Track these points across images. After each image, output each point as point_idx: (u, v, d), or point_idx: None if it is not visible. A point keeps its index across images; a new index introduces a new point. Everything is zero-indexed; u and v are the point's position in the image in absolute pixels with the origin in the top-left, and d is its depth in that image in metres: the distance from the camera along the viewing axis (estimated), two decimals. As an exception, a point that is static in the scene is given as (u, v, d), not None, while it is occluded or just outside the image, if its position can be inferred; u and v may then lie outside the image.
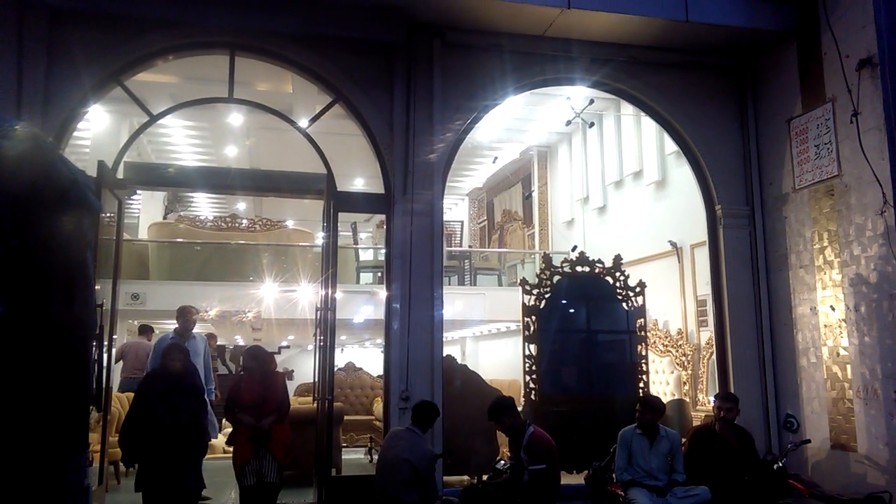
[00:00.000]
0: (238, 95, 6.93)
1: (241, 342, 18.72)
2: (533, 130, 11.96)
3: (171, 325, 11.52)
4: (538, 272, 7.52)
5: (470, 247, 14.94)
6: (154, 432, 5.10)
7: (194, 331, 7.42)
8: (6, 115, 4.56)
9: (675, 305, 9.44)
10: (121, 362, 9.56)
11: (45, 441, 2.06)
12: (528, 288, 7.30)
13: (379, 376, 10.60)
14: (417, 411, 5.45)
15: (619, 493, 5.41)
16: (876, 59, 6.05)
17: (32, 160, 2.03)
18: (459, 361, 8.19)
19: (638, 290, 7.49)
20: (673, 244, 9.45)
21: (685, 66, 7.46)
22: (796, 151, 6.93)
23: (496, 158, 12.99)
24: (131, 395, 8.81)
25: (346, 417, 9.55)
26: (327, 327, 6.44)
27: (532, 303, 7.25)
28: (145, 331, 10.04)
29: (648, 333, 7.95)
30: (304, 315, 10.11)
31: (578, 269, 7.49)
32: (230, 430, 5.85)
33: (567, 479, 6.02)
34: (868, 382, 6.07)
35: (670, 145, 8.97)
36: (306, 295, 10.22)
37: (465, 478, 7.04)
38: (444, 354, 6.82)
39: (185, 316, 7.20)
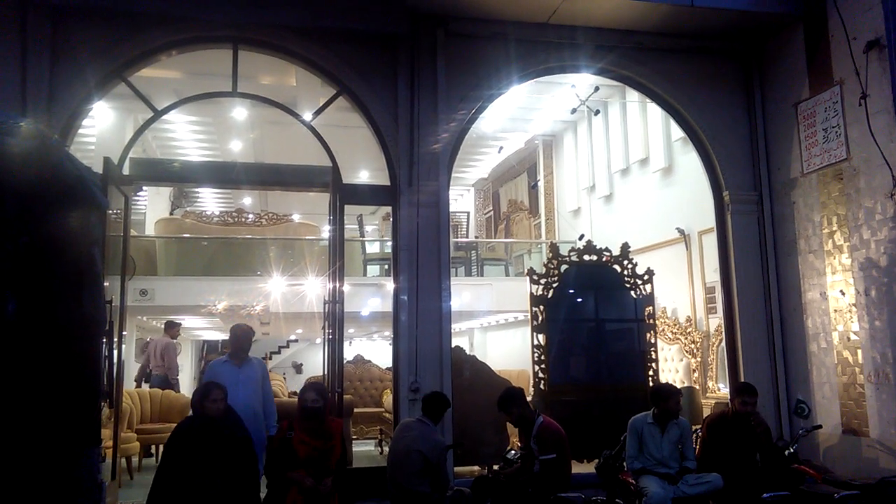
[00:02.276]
0: (242, 89, 6.93)
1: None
2: (538, 119, 11.91)
3: (180, 320, 11.62)
4: (545, 262, 7.51)
5: (476, 237, 14.92)
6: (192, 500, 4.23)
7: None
8: (11, 113, 4.57)
9: (683, 293, 9.40)
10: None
11: (58, 437, 2.07)
12: (535, 278, 7.28)
13: (388, 368, 10.62)
14: (428, 402, 5.45)
15: (630, 482, 5.41)
16: (884, 41, 5.99)
17: (39, 158, 2.03)
18: (468, 352, 8.20)
19: (646, 277, 7.46)
20: (680, 231, 9.41)
21: (691, 51, 7.40)
22: (804, 135, 6.88)
23: (501, 148, 12.95)
24: (157, 390, 9.14)
25: (355, 410, 9.59)
26: (335, 320, 6.44)
27: (540, 292, 7.24)
28: (170, 327, 10.21)
29: (657, 321, 7.93)
30: (311, 308, 10.12)
31: (586, 257, 7.46)
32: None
33: (577, 468, 6.02)
34: (879, 367, 6.04)
35: (676, 132, 8.92)
36: (314, 288, 10.22)
37: (476, 468, 7.06)
38: (453, 346, 6.82)
39: (239, 335, 5.77)
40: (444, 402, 5.48)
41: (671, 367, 9.17)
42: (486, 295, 11.04)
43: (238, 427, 4.60)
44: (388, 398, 9.57)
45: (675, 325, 9.34)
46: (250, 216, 12.29)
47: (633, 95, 9.85)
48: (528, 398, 6.23)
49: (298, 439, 4.59)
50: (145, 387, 9.97)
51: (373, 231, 15.02)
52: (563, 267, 7.37)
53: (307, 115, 7.11)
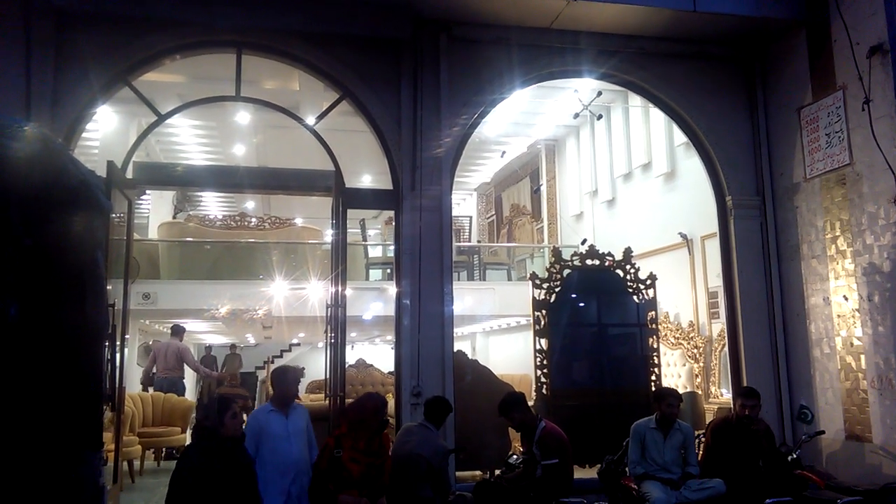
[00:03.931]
0: (245, 94, 6.94)
1: (251, 340, 18.77)
2: (540, 124, 11.92)
3: (182, 322, 11.65)
4: (548, 266, 7.50)
5: (479, 242, 14.92)
6: None
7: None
8: (16, 117, 4.58)
9: (686, 297, 9.39)
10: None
11: (60, 440, 2.07)
12: (537, 282, 7.28)
13: (390, 373, 10.62)
14: (430, 407, 5.45)
15: (632, 487, 5.39)
16: (887, 46, 5.99)
17: (43, 162, 2.04)
18: (470, 357, 8.19)
19: (648, 282, 7.45)
20: (683, 236, 9.40)
21: (694, 56, 7.41)
22: (807, 140, 6.87)
23: (504, 153, 12.96)
24: (159, 394, 9.16)
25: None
26: (338, 324, 6.44)
27: (542, 297, 7.23)
28: (177, 332, 10.24)
29: (660, 326, 7.91)
30: (314, 312, 10.13)
31: (588, 262, 7.46)
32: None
33: (580, 473, 6.01)
34: (882, 372, 6.02)
35: (679, 136, 8.93)
36: (316, 292, 10.24)
37: (478, 473, 7.05)
38: (455, 350, 6.81)
39: (288, 381, 4.98)
40: (446, 407, 5.48)
41: (674, 371, 9.15)
42: (488, 299, 11.04)
43: (247, 451, 4.09)
44: (390, 402, 9.55)
45: (678, 329, 9.33)
46: (253, 220, 12.32)
47: (635, 100, 9.85)
48: (530, 403, 6.23)
49: (350, 457, 4.13)
50: (149, 390, 9.98)
51: (375, 235, 15.03)
52: (566, 271, 7.36)
53: (310, 120, 7.12)
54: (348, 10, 6.52)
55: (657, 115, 9.57)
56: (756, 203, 7.36)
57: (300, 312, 10.45)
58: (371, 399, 4.60)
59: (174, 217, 14.29)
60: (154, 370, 10.11)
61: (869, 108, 6.10)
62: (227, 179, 8.39)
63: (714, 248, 7.90)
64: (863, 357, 6.24)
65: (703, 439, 5.94)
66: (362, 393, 11.18)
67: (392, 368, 7.90)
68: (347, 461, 4.13)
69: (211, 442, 3.78)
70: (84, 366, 2.22)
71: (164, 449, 8.92)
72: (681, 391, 8.15)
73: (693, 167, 8.64)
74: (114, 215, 6.23)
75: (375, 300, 10.38)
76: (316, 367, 19.77)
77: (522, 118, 11.35)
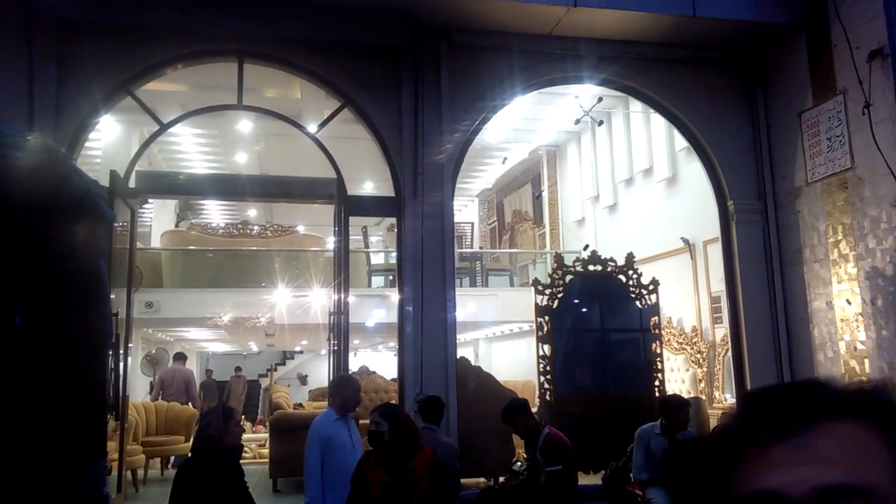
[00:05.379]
0: (247, 102, 6.96)
1: (254, 348, 18.78)
2: (542, 130, 11.94)
3: (185, 332, 11.66)
4: (550, 272, 7.50)
5: (481, 248, 14.92)
6: None
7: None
8: (19, 127, 4.59)
9: (688, 302, 9.38)
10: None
11: (64, 449, 2.07)
12: (540, 288, 7.28)
13: (393, 380, 10.61)
14: (425, 408, 5.48)
15: (637, 493, 5.38)
16: (887, 50, 5.99)
17: (46, 171, 2.05)
18: (473, 363, 8.19)
19: (651, 287, 7.45)
20: (685, 241, 9.40)
21: (694, 61, 7.42)
22: (808, 145, 6.87)
23: (505, 159, 12.97)
24: (163, 403, 9.16)
25: (360, 421, 9.57)
26: (340, 331, 6.44)
27: (545, 303, 7.23)
28: (179, 357, 10.32)
29: (662, 331, 7.91)
30: (316, 319, 10.13)
31: (590, 268, 7.46)
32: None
33: (584, 480, 5.99)
34: (886, 376, 6.00)
35: (680, 142, 8.93)
36: (319, 299, 10.24)
37: (482, 480, 7.03)
38: (458, 356, 6.81)
39: (351, 388, 4.77)
40: (439, 403, 5.53)
41: (677, 377, 9.13)
42: (490, 305, 11.04)
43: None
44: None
45: (681, 334, 9.31)
46: (255, 228, 12.35)
47: (636, 106, 9.86)
48: (534, 409, 6.22)
49: (372, 476, 3.76)
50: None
51: (377, 242, 15.04)
52: (568, 277, 7.37)
53: (312, 128, 7.14)
54: (349, 19, 6.54)
55: (658, 121, 9.57)
56: (758, 207, 7.35)
57: (303, 320, 10.46)
58: (372, 410, 4.26)
59: (177, 225, 14.32)
60: (160, 397, 10.07)
61: (869, 112, 6.10)
62: (230, 188, 8.41)
63: (716, 252, 7.90)
64: (866, 361, 6.22)
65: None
66: (365, 400, 11.19)
67: (395, 375, 7.90)
68: (370, 479, 3.78)
69: (211, 452, 3.67)
70: (88, 374, 2.23)
71: (168, 458, 8.91)
72: (685, 396, 8.13)
73: (694, 172, 8.65)
74: (117, 224, 6.25)
75: (378, 307, 10.39)
76: (319, 374, 19.79)
77: (523, 124, 11.37)
